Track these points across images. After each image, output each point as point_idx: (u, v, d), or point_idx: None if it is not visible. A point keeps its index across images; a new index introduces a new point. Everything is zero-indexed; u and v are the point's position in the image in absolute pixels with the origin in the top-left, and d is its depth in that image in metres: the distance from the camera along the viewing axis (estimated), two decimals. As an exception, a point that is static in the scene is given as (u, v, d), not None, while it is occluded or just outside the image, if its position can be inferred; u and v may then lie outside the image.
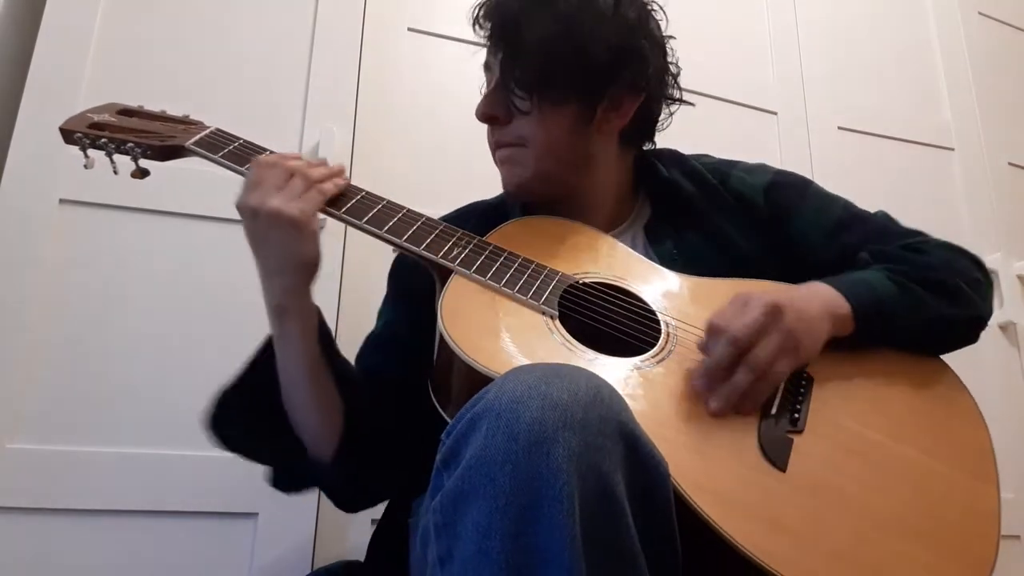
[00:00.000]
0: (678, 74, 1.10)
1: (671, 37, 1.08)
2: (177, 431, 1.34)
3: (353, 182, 0.97)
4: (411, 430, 0.96)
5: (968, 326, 1.00)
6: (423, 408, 0.90)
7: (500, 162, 1.07)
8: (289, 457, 0.95)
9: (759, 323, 0.84)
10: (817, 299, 0.90)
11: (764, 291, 0.88)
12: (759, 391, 0.84)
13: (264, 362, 0.93)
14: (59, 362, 1.33)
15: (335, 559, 1.28)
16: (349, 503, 1.04)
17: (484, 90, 1.06)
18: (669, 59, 1.08)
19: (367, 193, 0.96)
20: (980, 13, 2.41)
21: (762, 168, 1.13)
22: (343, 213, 0.93)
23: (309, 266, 0.89)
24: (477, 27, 1.03)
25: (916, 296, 0.95)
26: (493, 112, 1.03)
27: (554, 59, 0.97)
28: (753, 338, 0.84)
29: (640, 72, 1.01)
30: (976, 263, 1.04)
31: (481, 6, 1.03)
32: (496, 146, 1.06)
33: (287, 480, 0.98)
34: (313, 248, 0.88)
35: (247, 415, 0.94)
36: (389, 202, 0.97)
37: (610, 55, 0.98)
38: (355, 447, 0.94)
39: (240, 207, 0.88)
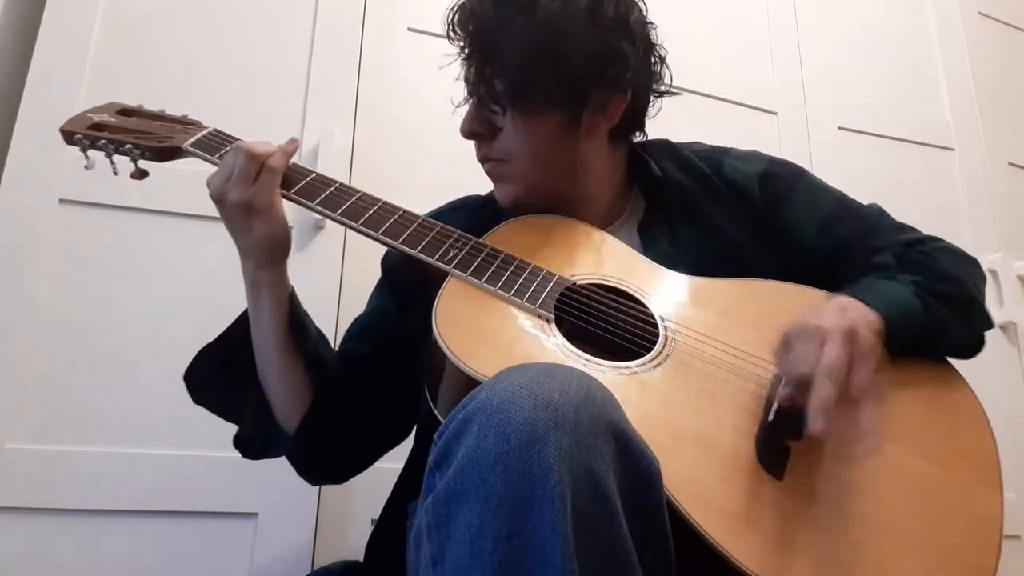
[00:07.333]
0: (665, 57, 1.05)
1: (651, 23, 1.03)
2: (177, 431, 1.34)
3: (353, 183, 0.97)
4: (381, 416, 1.01)
5: (977, 343, 0.99)
6: (396, 396, 0.93)
7: (491, 178, 1.06)
8: (255, 420, 1.00)
9: (844, 355, 0.77)
10: (863, 318, 0.84)
11: (820, 316, 0.81)
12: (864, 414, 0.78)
13: (243, 326, 0.99)
14: (59, 362, 1.33)
15: (335, 559, 1.28)
16: (310, 473, 1.08)
17: (466, 104, 1.03)
18: (656, 43, 1.04)
19: (364, 194, 0.96)
20: (980, 13, 2.42)
21: (756, 155, 1.11)
22: (339, 215, 0.93)
23: (277, 247, 0.95)
24: (452, 36, 1.00)
25: (939, 316, 0.92)
26: (475, 129, 1.01)
27: (530, 71, 0.94)
28: (842, 369, 0.77)
29: (623, 73, 0.98)
30: (978, 268, 1.03)
31: (454, 12, 0.99)
32: (483, 161, 1.05)
33: (252, 445, 1.03)
34: (278, 229, 0.94)
35: (221, 372, 1.00)
36: (385, 203, 0.96)
37: (590, 62, 0.95)
38: (318, 423, 0.98)
39: (210, 194, 0.93)
